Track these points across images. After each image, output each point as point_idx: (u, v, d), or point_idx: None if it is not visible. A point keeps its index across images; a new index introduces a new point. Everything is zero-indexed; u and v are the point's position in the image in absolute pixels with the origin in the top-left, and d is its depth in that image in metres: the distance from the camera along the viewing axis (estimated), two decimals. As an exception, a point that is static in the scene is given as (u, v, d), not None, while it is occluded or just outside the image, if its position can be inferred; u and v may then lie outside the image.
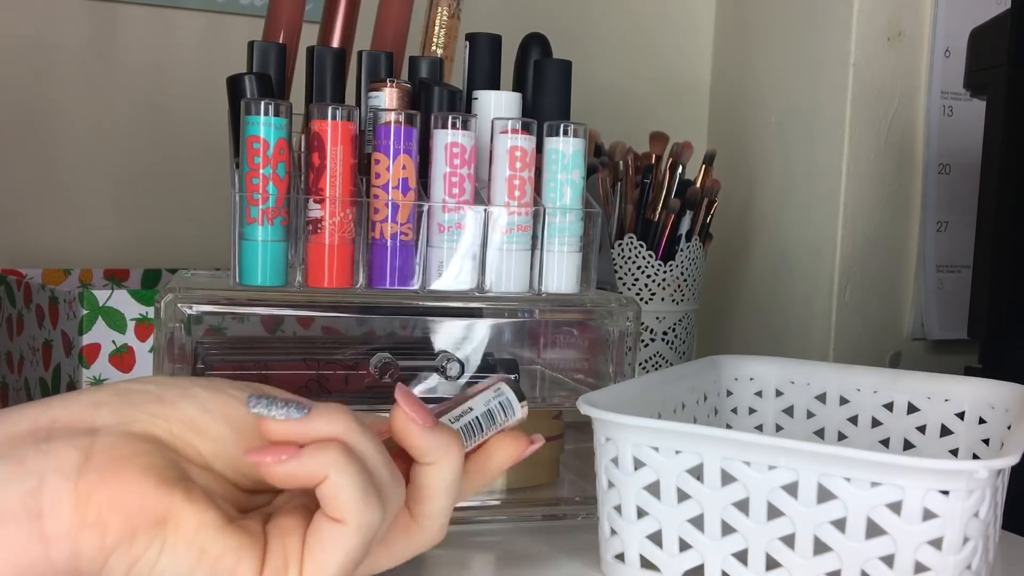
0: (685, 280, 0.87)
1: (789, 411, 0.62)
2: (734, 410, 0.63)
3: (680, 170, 0.88)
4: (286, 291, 0.52)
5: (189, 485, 0.31)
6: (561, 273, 0.56)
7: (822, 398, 0.61)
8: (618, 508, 0.47)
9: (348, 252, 0.53)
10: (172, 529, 0.30)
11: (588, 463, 0.51)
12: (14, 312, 0.74)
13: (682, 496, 0.45)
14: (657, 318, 0.87)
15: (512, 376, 0.42)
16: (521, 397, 0.40)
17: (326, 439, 0.32)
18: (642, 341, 0.86)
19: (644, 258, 0.86)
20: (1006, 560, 0.52)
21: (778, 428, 0.62)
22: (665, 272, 0.86)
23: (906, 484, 0.40)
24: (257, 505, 0.35)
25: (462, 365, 0.56)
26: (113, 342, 0.63)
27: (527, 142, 0.55)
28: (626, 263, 0.86)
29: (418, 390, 0.56)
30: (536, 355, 0.63)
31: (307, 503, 0.34)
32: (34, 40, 0.88)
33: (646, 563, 0.46)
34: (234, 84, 0.55)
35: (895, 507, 0.40)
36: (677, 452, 0.44)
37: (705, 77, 1.13)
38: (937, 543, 0.41)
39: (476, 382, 0.56)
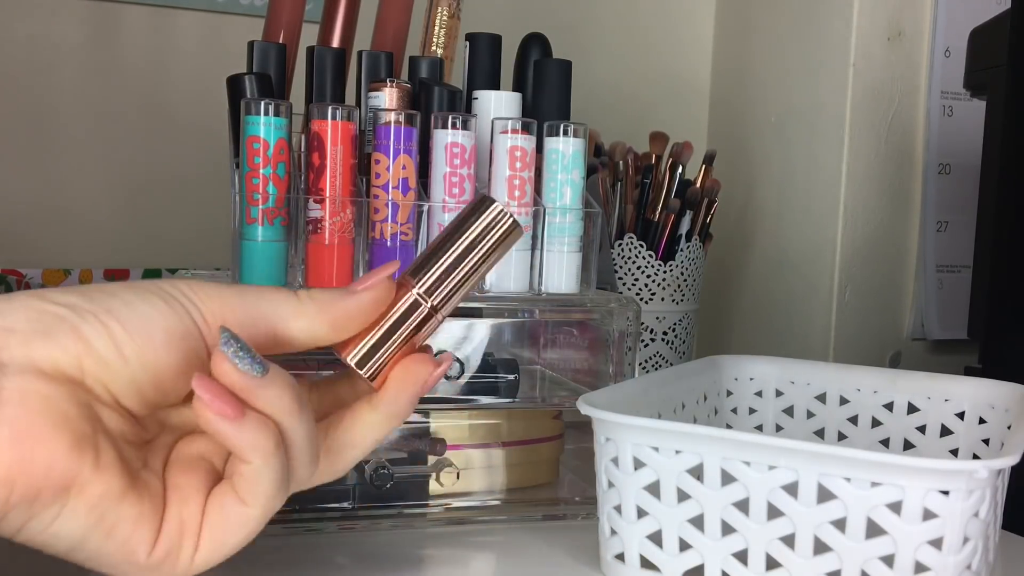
0: (685, 280, 0.87)
1: (789, 411, 0.62)
2: (734, 410, 0.63)
3: (680, 170, 0.88)
4: (286, 291, 0.52)
5: (101, 445, 0.30)
6: (561, 273, 0.56)
7: (822, 398, 0.61)
8: (618, 508, 0.47)
9: (348, 252, 0.53)
10: (75, 494, 0.30)
11: (588, 463, 0.51)
12: (14, 312, 0.74)
13: (682, 496, 0.45)
14: (657, 318, 0.87)
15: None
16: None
17: (268, 414, 0.32)
18: (642, 341, 0.86)
19: (644, 258, 0.86)
20: (1006, 560, 0.52)
21: (778, 428, 0.62)
22: (665, 272, 0.86)
23: (906, 484, 0.40)
24: (155, 433, 0.34)
25: (462, 365, 0.56)
26: (113, 342, 0.63)
27: (527, 142, 0.55)
28: (626, 263, 0.86)
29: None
30: (536, 355, 0.63)
31: (206, 453, 0.34)
32: (34, 40, 0.88)
33: (646, 563, 0.46)
34: (234, 84, 0.55)
35: (895, 507, 0.40)
36: (677, 452, 0.44)
37: (705, 77, 1.13)
38: (937, 543, 0.41)
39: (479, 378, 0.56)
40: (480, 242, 0.37)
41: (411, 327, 0.36)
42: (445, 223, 0.54)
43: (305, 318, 0.34)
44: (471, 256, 0.36)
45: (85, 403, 0.30)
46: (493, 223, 0.37)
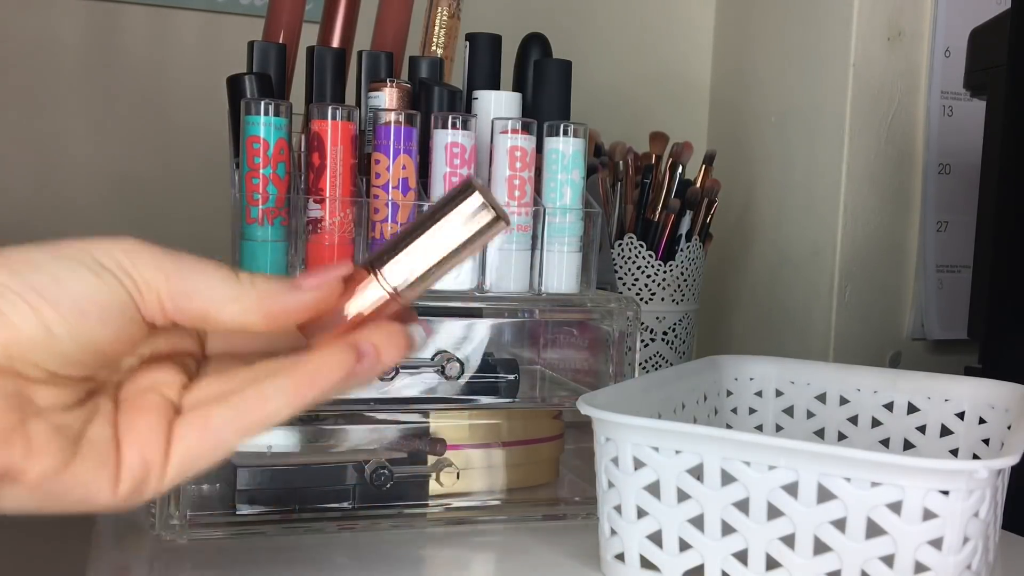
0: (685, 280, 0.87)
1: (789, 411, 0.62)
2: (734, 410, 0.63)
3: (680, 170, 0.88)
4: (286, 291, 0.52)
5: (32, 430, 0.30)
6: (561, 273, 0.56)
7: (822, 398, 0.61)
8: (618, 508, 0.47)
9: (348, 252, 0.53)
10: (10, 484, 0.29)
11: (588, 463, 0.51)
12: (14, 312, 0.74)
13: (682, 496, 0.45)
14: (657, 318, 0.87)
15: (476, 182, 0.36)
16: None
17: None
18: (642, 341, 0.86)
19: (644, 258, 0.86)
20: (1006, 560, 0.52)
21: (778, 428, 0.62)
22: (665, 272, 0.86)
23: (906, 484, 0.40)
24: (104, 377, 0.33)
25: (462, 365, 0.56)
26: (113, 342, 0.63)
27: (527, 142, 0.55)
28: (626, 263, 0.86)
29: (418, 391, 0.55)
30: (536, 355, 0.63)
31: (158, 384, 0.33)
32: (34, 39, 0.88)
33: (646, 563, 0.46)
34: (234, 84, 0.55)
35: (895, 507, 0.40)
36: (677, 452, 0.44)
37: (705, 77, 1.13)
38: (937, 543, 0.41)
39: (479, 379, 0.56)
40: (456, 232, 0.35)
41: (368, 311, 0.35)
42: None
43: (240, 304, 0.33)
44: (443, 244, 0.35)
45: (12, 393, 0.30)
46: (473, 215, 0.35)
